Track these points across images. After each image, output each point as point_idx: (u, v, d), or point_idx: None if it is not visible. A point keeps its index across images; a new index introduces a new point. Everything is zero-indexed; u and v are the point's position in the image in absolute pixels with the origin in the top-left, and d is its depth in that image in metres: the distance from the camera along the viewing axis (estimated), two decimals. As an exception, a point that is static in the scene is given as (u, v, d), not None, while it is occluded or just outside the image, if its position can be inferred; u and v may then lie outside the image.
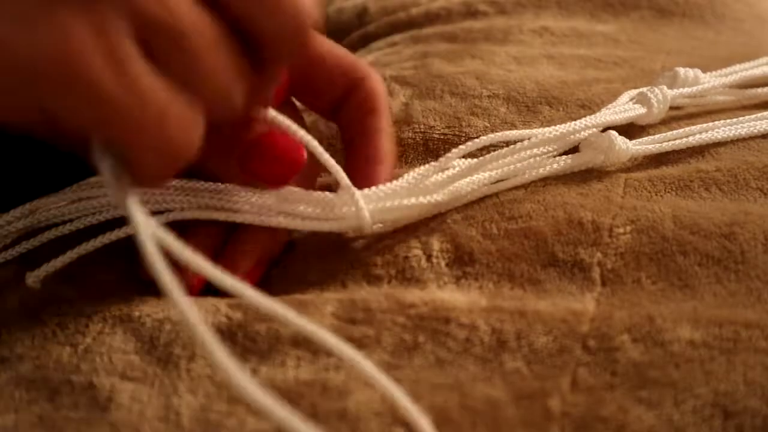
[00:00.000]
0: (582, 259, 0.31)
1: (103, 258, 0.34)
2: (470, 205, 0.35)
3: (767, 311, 0.28)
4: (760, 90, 0.42)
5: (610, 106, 0.39)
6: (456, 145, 0.36)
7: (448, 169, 0.35)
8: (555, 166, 0.36)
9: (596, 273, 0.31)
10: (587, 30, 0.51)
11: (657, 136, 0.38)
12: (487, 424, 0.25)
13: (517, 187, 0.35)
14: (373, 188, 0.33)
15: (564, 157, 0.36)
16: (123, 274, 0.34)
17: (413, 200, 0.33)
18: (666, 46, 0.50)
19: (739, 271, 0.30)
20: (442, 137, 0.40)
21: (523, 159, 0.36)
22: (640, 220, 0.32)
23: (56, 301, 0.32)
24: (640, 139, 0.37)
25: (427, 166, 0.34)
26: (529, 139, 0.35)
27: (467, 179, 0.35)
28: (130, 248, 0.35)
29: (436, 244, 0.33)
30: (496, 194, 0.35)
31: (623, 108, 0.38)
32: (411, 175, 0.34)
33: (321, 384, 0.27)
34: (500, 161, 0.35)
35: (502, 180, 0.36)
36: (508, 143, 0.36)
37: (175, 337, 0.29)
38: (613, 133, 0.36)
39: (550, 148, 0.36)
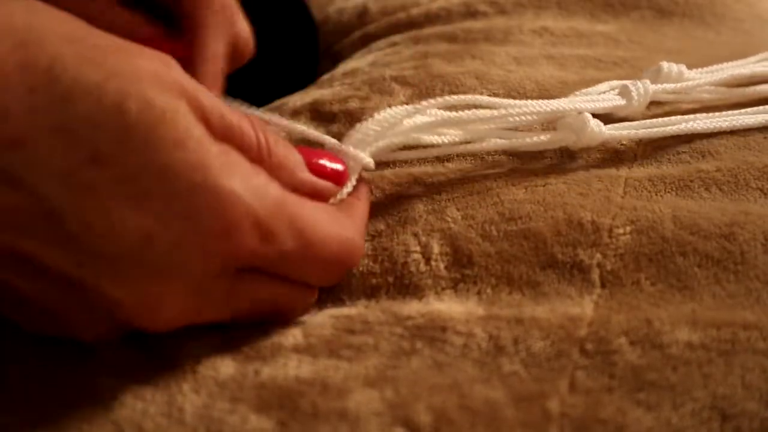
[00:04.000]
0: (581, 261, 0.31)
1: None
2: (470, 203, 0.35)
3: (766, 312, 0.28)
4: (748, 89, 0.42)
5: (586, 91, 0.39)
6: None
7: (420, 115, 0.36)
8: (528, 140, 0.37)
9: (595, 274, 0.31)
10: (587, 30, 0.51)
11: (633, 123, 0.38)
12: (487, 425, 0.25)
13: (516, 187, 0.36)
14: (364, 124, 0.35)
15: (537, 132, 0.37)
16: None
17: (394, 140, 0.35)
18: (666, 46, 0.50)
19: (739, 272, 0.30)
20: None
21: (495, 131, 0.37)
22: (640, 221, 0.33)
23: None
24: (614, 125, 0.38)
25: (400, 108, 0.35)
26: (498, 109, 0.36)
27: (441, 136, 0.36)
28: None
29: (435, 246, 0.33)
30: (497, 194, 0.35)
31: (603, 97, 0.39)
32: (387, 114, 0.35)
33: (321, 382, 0.27)
34: (471, 127, 0.37)
35: (469, 142, 0.37)
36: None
37: (180, 343, 0.30)
38: (588, 115, 0.37)
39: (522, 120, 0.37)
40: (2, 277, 0.26)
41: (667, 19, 0.53)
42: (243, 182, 0.27)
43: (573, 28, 0.51)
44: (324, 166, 0.32)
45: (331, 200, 0.32)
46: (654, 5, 0.54)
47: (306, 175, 0.31)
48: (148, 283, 0.26)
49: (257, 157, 0.28)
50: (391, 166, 0.39)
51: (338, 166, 0.32)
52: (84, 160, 0.24)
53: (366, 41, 0.56)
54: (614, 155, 0.38)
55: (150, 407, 0.27)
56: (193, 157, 0.26)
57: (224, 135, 0.27)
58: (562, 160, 0.38)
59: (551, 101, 0.37)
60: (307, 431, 0.26)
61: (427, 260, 0.33)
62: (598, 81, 0.42)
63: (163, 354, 0.29)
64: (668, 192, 0.35)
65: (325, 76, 0.51)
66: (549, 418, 0.25)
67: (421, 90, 0.44)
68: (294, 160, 0.30)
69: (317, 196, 0.31)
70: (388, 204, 0.36)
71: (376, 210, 0.36)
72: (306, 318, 0.31)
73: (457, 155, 0.39)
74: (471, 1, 0.55)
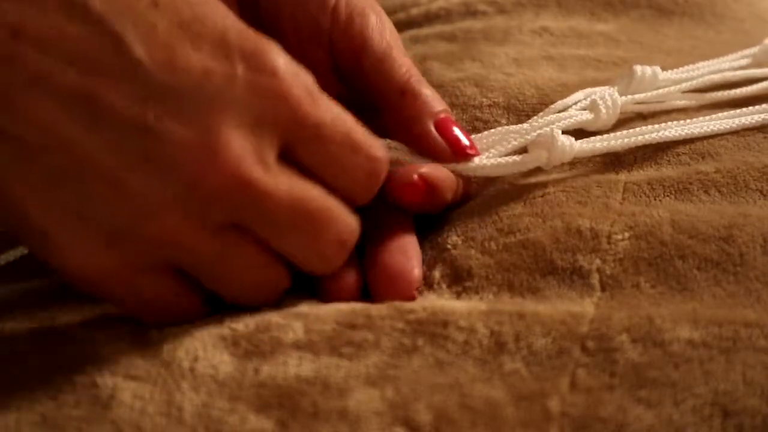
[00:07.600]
0: (581, 266, 0.31)
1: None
2: (471, 226, 0.35)
3: (766, 311, 0.28)
4: (719, 93, 0.42)
5: (560, 103, 0.39)
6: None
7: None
8: (499, 161, 0.36)
9: (595, 279, 0.31)
10: (587, 30, 0.51)
11: (605, 135, 0.38)
12: (487, 424, 0.25)
13: (515, 202, 0.36)
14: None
15: (511, 157, 0.37)
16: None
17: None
18: (666, 46, 0.50)
19: (738, 273, 0.30)
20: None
21: None
22: (639, 226, 0.33)
23: (55, 299, 0.32)
24: (587, 139, 0.37)
25: None
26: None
27: None
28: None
29: (437, 275, 0.33)
30: (496, 212, 0.35)
31: (572, 114, 0.38)
32: None
33: (322, 381, 0.27)
34: None
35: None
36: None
37: (179, 344, 0.29)
38: (557, 131, 0.36)
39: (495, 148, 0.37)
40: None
41: (667, 18, 0.53)
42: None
43: (573, 27, 0.51)
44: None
45: None
46: (654, 5, 0.54)
47: None
48: (207, 114, 0.28)
49: None
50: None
51: None
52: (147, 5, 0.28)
53: (366, 42, 0.56)
54: (614, 159, 0.38)
55: (149, 406, 0.27)
56: None
57: None
58: (562, 167, 0.38)
59: (517, 126, 0.38)
60: (307, 431, 0.26)
61: (430, 286, 0.33)
62: (598, 81, 0.42)
63: (160, 349, 0.29)
64: (667, 196, 0.35)
65: (325, 77, 0.51)
66: (549, 418, 0.25)
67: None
68: None
69: None
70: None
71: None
72: (308, 309, 0.31)
73: None
74: (471, 1, 0.55)
